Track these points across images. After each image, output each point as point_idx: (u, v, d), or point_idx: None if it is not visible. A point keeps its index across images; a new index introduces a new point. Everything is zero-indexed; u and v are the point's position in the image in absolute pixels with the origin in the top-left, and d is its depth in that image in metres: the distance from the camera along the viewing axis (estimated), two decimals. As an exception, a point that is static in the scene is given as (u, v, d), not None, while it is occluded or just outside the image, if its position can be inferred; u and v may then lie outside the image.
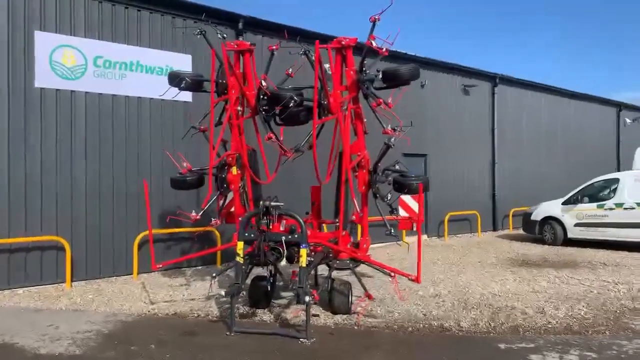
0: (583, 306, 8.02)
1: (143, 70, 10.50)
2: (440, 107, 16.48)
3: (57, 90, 9.55)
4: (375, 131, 7.70)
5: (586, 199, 14.37)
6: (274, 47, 7.71)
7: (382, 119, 7.10)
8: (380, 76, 7.04)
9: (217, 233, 11.18)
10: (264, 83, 6.91)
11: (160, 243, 10.73)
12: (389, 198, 7.14)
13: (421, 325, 7.13)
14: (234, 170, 7.76)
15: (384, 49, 6.53)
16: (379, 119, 7.09)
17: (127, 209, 10.36)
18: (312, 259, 7.13)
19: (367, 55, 6.74)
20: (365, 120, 7.39)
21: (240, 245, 6.70)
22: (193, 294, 8.90)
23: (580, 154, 22.09)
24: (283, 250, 6.52)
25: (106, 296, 8.78)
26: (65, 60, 9.58)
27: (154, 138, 10.73)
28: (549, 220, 15.02)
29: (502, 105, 18.50)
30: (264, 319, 7.44)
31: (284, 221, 6.89)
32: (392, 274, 7.65)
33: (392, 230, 7.32)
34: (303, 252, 6.41)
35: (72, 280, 9.47)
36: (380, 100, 6.63)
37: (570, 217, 14.52)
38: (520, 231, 17.67)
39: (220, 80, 7.65)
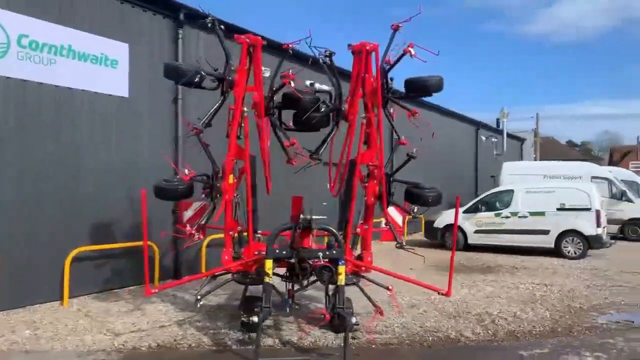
0: (542, 309, 8.78)
1: (75, 57, 8.84)
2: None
3: (-29, 72, 7.57)
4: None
5: (484, 208, 15.87)
6: (290, 45, 7.07)
7: (395, 130, 6.98)
8: (391, 85, 6.92)
9: (155, 248, 9.88)
10: (292, 83, 6.29)
11: (91, 261, 9.12)
12: (415, 211, 7.03)
13: (429, 338, 7.14)
14: (231, 178, 6.91)
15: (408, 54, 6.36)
16: (394, 129, 6.96)
17: (56, 220, 8.61)
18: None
19: (398, 62, 6.53)
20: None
21: (269, 263, 6.00)
22: (157, 320, 7.72)
23: (452, 165, 24.38)
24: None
25: (47, 330, 7.15)
26: (-19, 36, 7.64)
27: (88, 136, 9.09)
28: (451, 227, 16.24)
29: (398, 118, 19.50)
30: (268, 343, 6.74)
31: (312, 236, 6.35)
32: (390, 287, 7.53)
33: (404, 242, 7.22)
34: (342, 269, 5.97)
35: (-14, 312, 7.54)
36: (415, 110, 6.50)
37: (470, 225, 15.89)
38: (415, 237, 18.89)
39: (227, 77, 6.75)
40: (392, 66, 6.60)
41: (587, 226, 14.24)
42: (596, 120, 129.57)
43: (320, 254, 6.05)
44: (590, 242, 14.28)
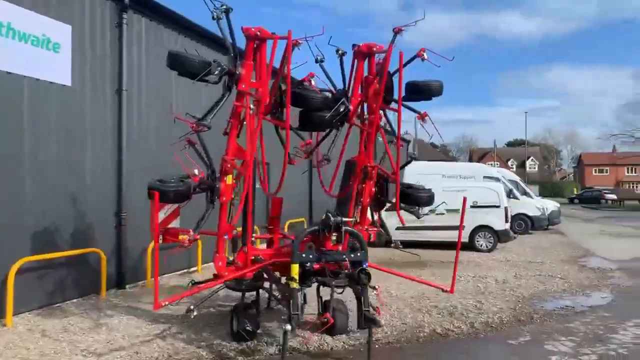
0: (494, 299, 9.51)
1: (15, 37, 7.62)
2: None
3: None
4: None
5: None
6: (299, 41, 6.74)
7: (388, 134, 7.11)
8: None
9: (102, 255, 8.90)
10: (312, 82, 6.07)
11: (32, 274, 7.92)
12: (421, 210, 7.19)
13: (420, 334, 7.39)
14: (229, 179, 6.48)
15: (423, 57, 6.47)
16: (392, 131, 7.08)
17: (-5, 228, 7.35)
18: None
19: (407, 64, 6.59)
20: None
21: (295, 268, 5.74)
22: (132, 334, 6.98)
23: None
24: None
25: (8, 356, 6.11)
26: None
27: (29, 130, 7.88)
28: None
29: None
30: (271, 352, 6.47)
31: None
32: (377, 286, 7.64)
33: (399, 243, 7.40)
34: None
35: None
36: (425, 113, 6.63)
37: (392, 222, 16.57)
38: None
39: (236, 72, 6.26)
40: (401, 67, 6.64)
41: (497, 222, 15.72)
42: (455, 124, 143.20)
43: (345, 256, 5.96)
44: (500, 236, 15.78)
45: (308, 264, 6.00)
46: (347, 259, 5.99)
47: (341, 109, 6.44)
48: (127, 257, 9.72)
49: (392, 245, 7.57)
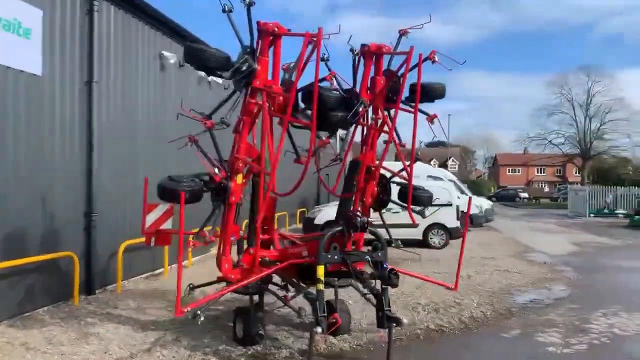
0: (469, 295, 9.87)
1: (-13, 20, 6.89)
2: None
3: None
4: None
5: (362, 204, 16.90)
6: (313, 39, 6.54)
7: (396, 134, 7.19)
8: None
9: (75, 258, 8.25)
10: (334, 82, 5.96)
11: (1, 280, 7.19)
12: (425, 211, 7.28)
13: (416, 330, 7.57)
14: (239, 178, 6.23)
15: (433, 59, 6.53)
16: (397, 133, 7.16)
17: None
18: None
19: (416, 66, 6.61)
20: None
21: (321, 270, 5.63)
22: (128, 343, 6.56)
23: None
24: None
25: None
26: None
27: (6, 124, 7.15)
28: (331, 223, 16.89)
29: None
30: (284, 355, 6.35)
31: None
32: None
33: (400, 242, 7.50)
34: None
35: None
36: (435, 115, 6.71)
37: (349, 221, 16.75)
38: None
39: (255, 68, 5.99)
40: (416, 68, 6.66)
41: (449, 219, 16.34)
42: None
43: (367, 257, 5.96)
44: (452, 233, 16.42)
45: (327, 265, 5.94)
46: (369, 259, 6.01)
47: (360, 109, 6.42)
48: (97, 261, 9.08)
49: (393, 245, 7.65)
